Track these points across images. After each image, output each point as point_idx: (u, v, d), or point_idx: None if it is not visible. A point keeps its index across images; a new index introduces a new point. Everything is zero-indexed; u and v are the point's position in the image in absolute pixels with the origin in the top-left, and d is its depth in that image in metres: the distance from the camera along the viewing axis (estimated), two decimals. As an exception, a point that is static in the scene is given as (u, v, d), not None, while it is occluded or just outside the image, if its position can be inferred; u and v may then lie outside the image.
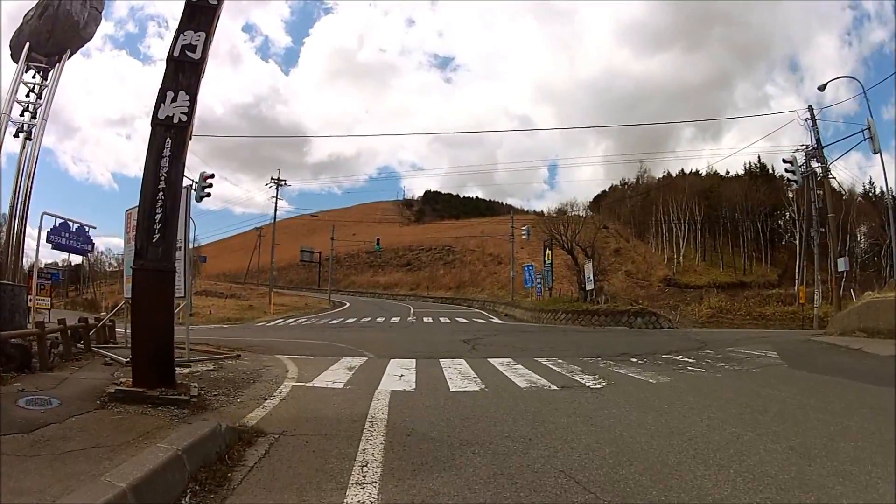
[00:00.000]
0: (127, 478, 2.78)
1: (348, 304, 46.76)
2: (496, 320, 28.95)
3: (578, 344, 13.67)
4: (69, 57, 10.50)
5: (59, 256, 45.67)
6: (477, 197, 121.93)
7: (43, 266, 24.55)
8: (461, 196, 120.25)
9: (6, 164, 13.51)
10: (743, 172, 70.23)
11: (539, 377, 7.55)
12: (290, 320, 31.13)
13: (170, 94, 5.53)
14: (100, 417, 4.46)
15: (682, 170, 75.77)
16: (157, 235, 5.31)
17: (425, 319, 28.08)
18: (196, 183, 22.30)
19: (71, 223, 11.21)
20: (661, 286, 53.59)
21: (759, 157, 70.01)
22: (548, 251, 36.35)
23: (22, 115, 10.08)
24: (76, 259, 43.20)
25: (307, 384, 7.07)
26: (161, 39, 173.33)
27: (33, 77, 10.24)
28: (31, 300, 11.72)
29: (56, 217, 10.97)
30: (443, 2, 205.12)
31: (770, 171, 65.91)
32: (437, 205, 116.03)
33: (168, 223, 5.36)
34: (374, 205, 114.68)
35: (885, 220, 32.28)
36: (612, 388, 6.75)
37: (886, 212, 25.68)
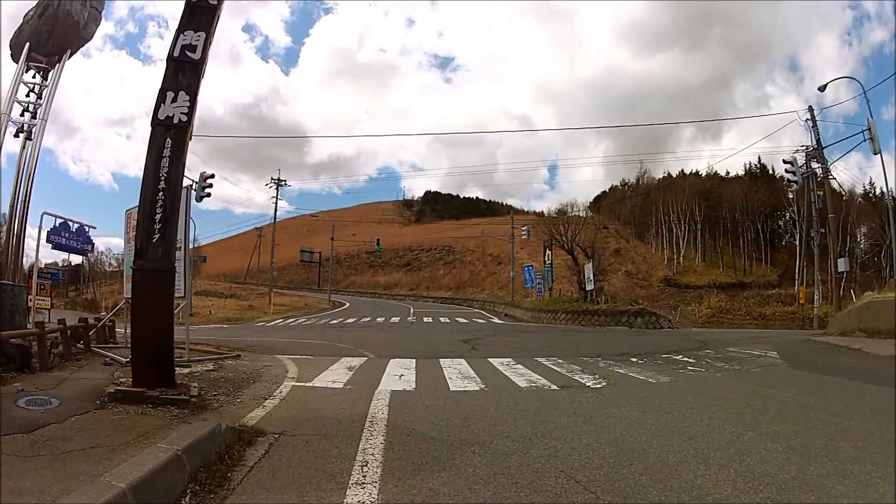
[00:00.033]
0: (127, 478, 2.78)
1: (348, 305, 46.76)
2: (496, 320, 28.95)
3: (578, 344, 13.67)
4: (69, 57, 10.50)
5: (59, 256, 45.68)
6: (477, 197, 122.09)
7: (43, 266, 24.52)
8: (461, 196, 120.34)
9: (6, 164, 13.50)
10: (743, 173, 70.38)
11: (539, 377, 7.55)
12: (290, 320, 31.13)
13: (170, 95, 5.53)
14: (99, 417, 4.46)
15: (682, 170, 75.98)
16: (157, 235, 5.31)
17: (425, 319, 28.08)
18: (196, 183, 22.31)
19: (71, 223, 11.21)
20: (661, 286, 53.63)
21: (759, 157, 70.15)
22: (548, 251, 36.35)
23: (22, 115, 10.07)
24: (76, 259, 43.22)
25: (307, 384, 7.06)
26: (161, 39, 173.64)
27: (33, 77, 10.23)
28: (31, 300, 11.72)
29: (56, 217, 10.97)
30: (443, 2, 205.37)
31: (770, 171, 66.03)
32: (437, 205, 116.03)
33: (168, 223, 5.36)
34: (374, 205, 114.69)
35: (885, 221, 32.31)
36: (612, 387, 6.75)
37: (886, 212, 25.70)
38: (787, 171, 23.25)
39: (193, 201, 13.49)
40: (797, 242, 48.35)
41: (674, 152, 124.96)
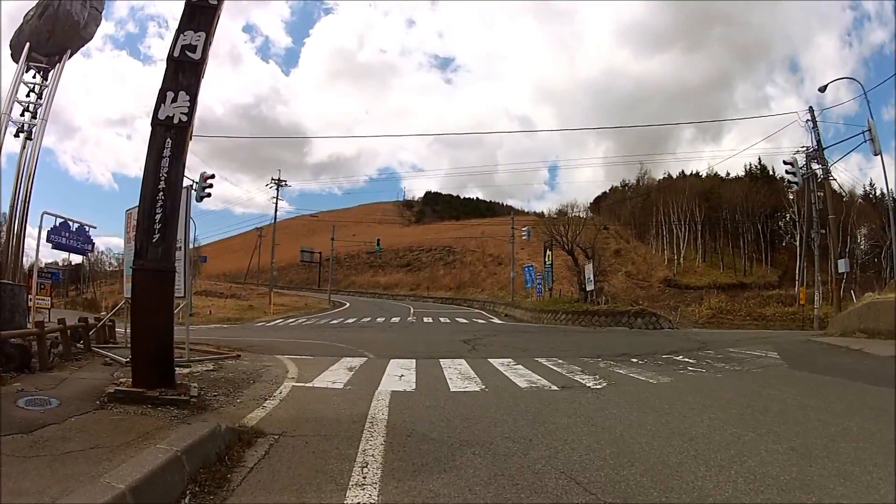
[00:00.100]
0: (126, 479, 2.77)
1: (348, 305, 46.75)
2: (496, 321, 28.93)
3: (579, 344, 13.66)
4: (69, 57, 10.50)
5: (60, 256, 45.80)
6: (477, 198, 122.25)
7: (43, 266, 24.53)
8: (461, 197, 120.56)
9: (6, 163, 13.49)
10: (743, 174, 70.40)
11: (539, 377, 7.54)
12: (290, 320, 31.11)
13: (170, 95, 5.52)
14: (99, 418, 4.45)
15: (683, 171, 76.05)
16: (157, 235, 5.30)
17: (425, 320, 28.07)
18: (196, 183, 22.31)
19: (71, 223, 11.20)
20: (662, 287, 53.63)
21: (759, 158, 70.23)
22: (548, 252, 36.36)
23: (22, 114, 10.09)
24: (76, 259, 43.35)
25: (307, 384, 7.06)
26: (161, 40, 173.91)
27: (33, 77, 10.24)
28: (31, 300, 11.73)
29: (56, 217, 10.96)
30: (443, 2, 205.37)
31: (770, 172, 66.05)
32: (438, 205, 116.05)
33: (168, 223, 5.35)
34: (374, 205, 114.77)
35: (885, 222, 32.26)
36: (612, 388, 6.74)
37: (887, 213, 25.65)
38: (787, 171, 23.23)
39: (193, 201, 13.48)
40: (797, 243, 48.33)
41: (674, 153, 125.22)
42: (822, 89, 22.40)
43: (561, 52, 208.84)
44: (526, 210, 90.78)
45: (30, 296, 11.39)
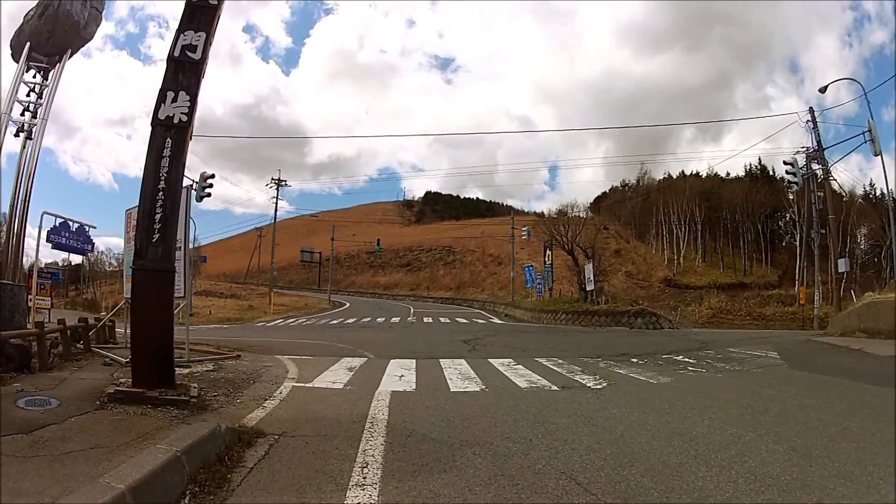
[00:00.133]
0: (126, 479, 2.76)
1: (348, 305, 46.75)
2: (496, 321, 28.93)
3: (579, 344, 13.66)
4: (69, 57, 10.49)
5: (60, 256, 45.84)
6: (477, 198, 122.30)
7: (43, 266, 24.52)
8: (461, 197, 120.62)
9: (6, 163, 13.48)
10: (743, 174, 70.38)
11: (539, 377, 7.54)
12: (290, 320, 31.11)
13: (170, 95, 5.52)
14: (99, 418, 4.45)
15: (683, 171, 76.08)
16: (157, 235, 5.29)
17: (425, 320, 28.07)
18: (196, 183, 22.30)
19: (71, 223, 11.19)
20: (662, 287, 53.63)
21: (759, 158, 70.23)
22: (548, 252, 36.35)
23: (22, 114, 10.08)
24: (76, 259, 43.37)
25: (307, 385, 7.05)
26: (161, 40, 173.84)
27: (34, 77, 10.24)
28: (30, 300, 11.72)
29: (56, 216, 10.95)
30: (443, 3, 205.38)
31: (771, 172, 66.06)
32: (438, 205, 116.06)
33: (168, 223, 5.35)
34: (374, 205, 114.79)
35: (885, 222, 32.26)
36: (612, 388, 6.74)
37: (887, 213, 25.63)
38: (787, 172, 23.23)
39: (193, 201, 13.49)
40: (797, 243, 48.33)
41: (674, 153, 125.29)
42: (823, 90, 22.40)
43: (561, 52, 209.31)
44: (526, 210, 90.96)
45: (30, 296, 11.38)
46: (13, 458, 3.23)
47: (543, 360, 9.64)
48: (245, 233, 75.41)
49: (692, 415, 5.17)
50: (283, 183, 45.81)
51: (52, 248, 11.32)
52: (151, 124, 5.50)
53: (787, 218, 57.18)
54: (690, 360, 9.63)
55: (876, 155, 19.09)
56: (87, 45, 11.10)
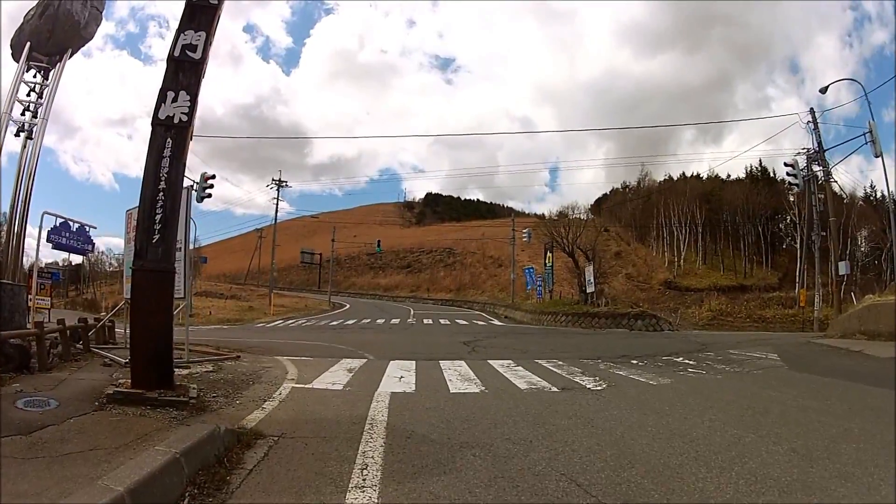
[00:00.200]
0: (124, 481, 2.75)
1: (348, 306, 46.74)
2: (496, 322, 28.93)
3: (579, 346, 13.65)
4: (70, 56, 10.50)
5: (60, 256, 45.81)
6: (478, 199, 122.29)
7: (43, 266, 24.52)
8: (462, 198, 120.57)
9: (7, 163, 13.52)
10: (744, 175, 70.34)
11: (539, 379, 7.53)
12: (290, 322, 31.10)
13: (170, 94, 5.52)
14: (98, 419, 4.44)
15: (683, 173, 75.95)
16: (157, 236, 5.29)
17: (425, 321, 28.05)
18: (197, 183, 22.32)
19: (71, 223, 11.19)
20: (662, 289, 53.62)
21: (760, 160, 70.15)
22: (548, 254, 36.35)
23: (23, 114, 10.08)
24: (76, 259, 43.38)
25: (307, 386, 7.04)
26: (162, 40, 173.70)
27: (34, 76, 10.24)
28: (30, 300, 11.71)
29: (56, 217, 10.95)
30: (443, 3, 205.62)
31: (771, 174, 66.03)
32: (438, 207, 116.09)
33: (168, 224, 5.34)
34: (374, 207, 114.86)
35: (885, 224, 32.29)
36: (612, 389, 6.72)
37: (887, 215, 25.68)
38: (788, 173, 23.26)
39: (194, 202, 13.47)
40: (798, 245, 48.37)
41: (675, 154, 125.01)
42: (823, 91, 22.40)
43: (561, 52, 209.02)
44: (526, 212, 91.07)
45: (29, 296, 11.37)
46: (12, 460, 3.23)
47: (543, 361, 9.63)
48: (245, 234, 75.55)
49: (692, 416, 5.16)
50: (284, 184, 45.84)
51: (53, 248, 11.34)
52: (151, 124, 5.50)
53: (788, 220, 57.21)
54: (690, 362, 9.62)
55: (877, 156, 19.07)
56: (87, 45, 11.12)
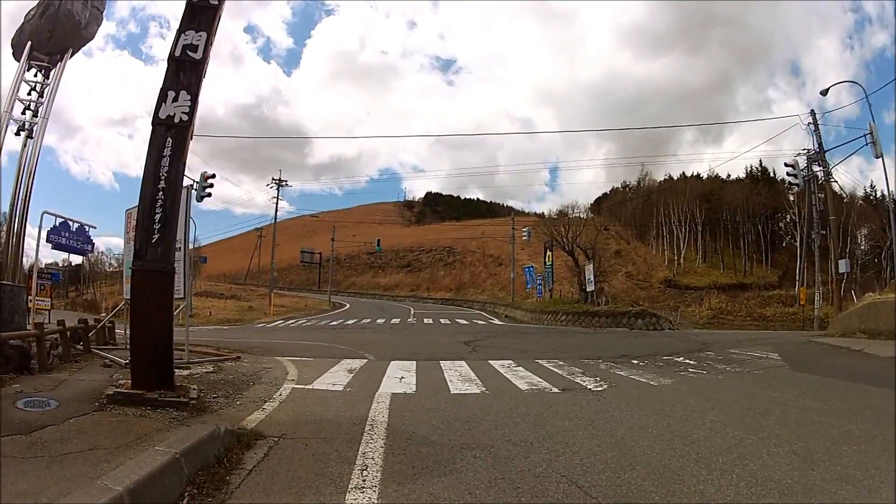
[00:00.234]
0: (124, 481, 2.75)
1: (348, 306, 46.75)
2: (496, 322, 28.92)
3: (579, 346, 13.64)
4: (71, 56, 10.49)
5: (60, 256, 45.89)
6: (478, 199, 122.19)
7: (43, 266, 24.52)
8: (462, 198, 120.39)
9: (7, 162, 13.51)
10: (744, 175, 70.35)
11: (540, 379, 7.53)
12: (290, 321, 31.11)
13: (171, 94, 5.51)
14: (98, 419, 4.44)
15: (683, 173, 75.94)
16: (157, 236, 5.29)
17: (425, 321, 28.06)
18: (197, 183, 22.30)
19: (71, 223, 11.17)
20: (662, 288, 53.64)
21: (760, 160, 70.18)
22: (548, 253, 36.34)
23: (23, 113, 10.08)
24: (76, 259, 43.38)
25: (307, 386, 7.04)
26: (163, 40, 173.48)
27: (35, 76, 10.24)
28: (30, 300, 11.70)
29: (56, 216, 10.92)
30: (444, 4, 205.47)
31: (771, 174, 66.02)
32: (438, 206, 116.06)
33: (168, 224, 5.34)
34: (374, 206, 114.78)
35: (885, 223, 32.27)
36: (613, 390, 6.72)
37: (887, 214, 25.66)
38: (788, 174, 23.23)
39: (194, 201, 13.47)
40: (798, 244, 48.37)
41: (675, 155, 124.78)
42: (824, 92, 22.39)
43: (561, 53, 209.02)
44: (526, 211, 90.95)
45: (29, 297, 11.36)
46: (12, 459, 3.23)
47: (544, 361, 9.62)
48: (245, 233, 75.43)
49: (693, 417, 5.16)
50: (284, 183, 45.84)
51: (52, 248, 11.31)
52: (152, 124, 5.50)
53: (788, 219, 57.23)
54: (691, 362, 9.61)
55: (877, 157, 19.07)
56: (88, 45, 11.13)
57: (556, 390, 6.72)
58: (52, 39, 10.05)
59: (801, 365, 9.16)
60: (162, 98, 5.51)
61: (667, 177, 77.19)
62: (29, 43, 9.91)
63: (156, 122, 5.48)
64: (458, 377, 7.78)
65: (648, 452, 3.95)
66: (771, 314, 34.81)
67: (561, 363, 9.33)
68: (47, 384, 5.80)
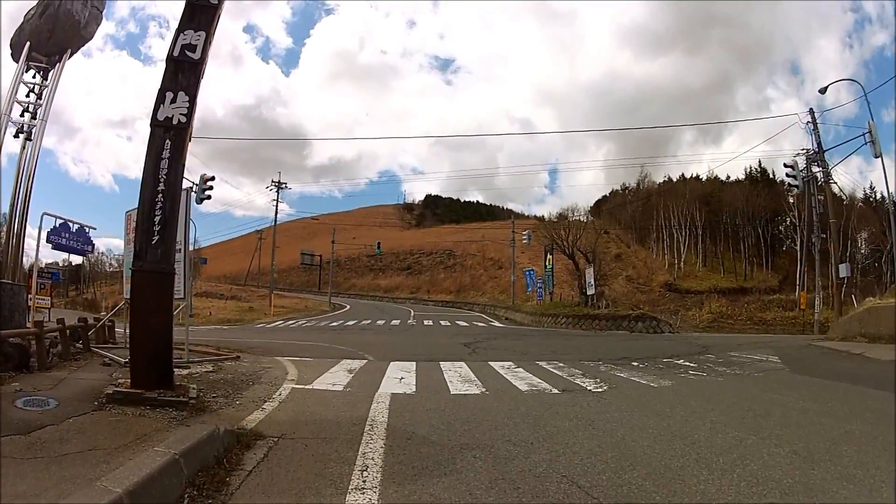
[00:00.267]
0: (123, 483, 2.74)
1: (348, 307, 46.73)
2: (497, 324, 28.90)
3: (579, 348, 13.63)
4: (70, 57, 10.50)
5: (60, 256, 45.72)
6: (478, 201, 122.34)
7: (43, 266, 24.48)
8: (462, 200, 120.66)
9: (6, 164, 13.53)
10: (744, 177, 70.32)
11: (540, 381, 7.51)
12: (291, 322, 31.10)
13: (169, 95, 5.50)
14: (97, 419, 4.43)
15: (683, 174, 75.95)
16: (157, 237, 5.28)
17: (425, 322, 28.03)
18: (196, 185, 22.32)
19: (71, 224, 11.18)
20: (662, 291, 53.50)
21: (759, 161, 70.08)
22: (549, 256, 36.32)
23: (22, 115, 10.07)
24: (77, 259, 43.30)
25: (307, 386, 7.03)
26: (162, 40, 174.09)
27: (34, 77, 10.23)
28: (30, 299, 11.70)
29: (56, 217, 10.94)
30: (444, 4, 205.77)
31: (771, 175, 65.93)
32: (438, 209, 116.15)
33: (167, 225, 5.33)
34: (374, 208, 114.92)
35: (885, 226, 32.26)
36: (613, 391, 6.71)
37: (887, 217, 25.64)
38: (787, 175, 23.24)
39: (194, 204, 13.49)
40: (798, 247, 48.33)
41: (675, 156, 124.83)
42: (823, 91, 22.41)
43: (561, 53, 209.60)
44: (526, 214, 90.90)
45: (29, 295, 11.36)
46: (11, 460, 3.22)
47: (544, 363, 9.61)
48: (245, 235, 75.64)
49: (693, 418, 5.15)
50: (284, 185, 45.96)
51: (53, 248, 11.33)
52: (150, 126, 5.49)
53: (788, 222, 57.20)
54: (691, 364, 9.60)
55: (876, 157, 19.10)
56: (87, 45, 11.13)
57: (557, 391, 6.71)
58: (51, 39, 10.05)
59: (801, 368, 9.15)
60: (160, 99, 5.51)
61: (666, 178, 77.22)
62: (28, 43, 9.91)
63: (154, 124, 5.47)
64: (458, 378, 7.77)
65: (649, 453, 3.94)
66: (771, 318, 34.75)
67: (561, 365, 9.32)
68: (47, 383, 5.79)
